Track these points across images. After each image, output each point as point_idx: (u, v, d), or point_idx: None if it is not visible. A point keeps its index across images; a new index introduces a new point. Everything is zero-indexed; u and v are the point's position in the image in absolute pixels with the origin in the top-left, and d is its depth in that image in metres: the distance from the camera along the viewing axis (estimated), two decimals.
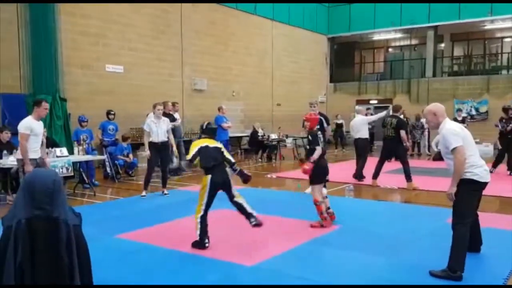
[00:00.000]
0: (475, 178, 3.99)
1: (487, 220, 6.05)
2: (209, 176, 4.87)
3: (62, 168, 7.85)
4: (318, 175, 5.88)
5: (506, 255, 4.65)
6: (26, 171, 6.01)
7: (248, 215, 5.03)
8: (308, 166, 5.74)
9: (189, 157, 5.00)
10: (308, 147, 6.03)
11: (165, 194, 8.22)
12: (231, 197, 5.06)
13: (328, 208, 5.95)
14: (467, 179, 3.96)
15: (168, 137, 8.26)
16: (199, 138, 5.44)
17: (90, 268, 2.07)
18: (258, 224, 5.00)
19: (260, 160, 14.45)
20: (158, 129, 8.08)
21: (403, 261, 4.52)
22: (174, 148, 8.51)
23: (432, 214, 6.58)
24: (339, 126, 18.16)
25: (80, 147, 9.20)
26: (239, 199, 5.07)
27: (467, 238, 4.01)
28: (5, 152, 7.87)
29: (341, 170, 11.54)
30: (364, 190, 8.95)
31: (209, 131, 5.37)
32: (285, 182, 10.17)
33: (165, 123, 8.25)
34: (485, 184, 4.08)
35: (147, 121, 8.24)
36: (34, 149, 6.25)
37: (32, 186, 1.96)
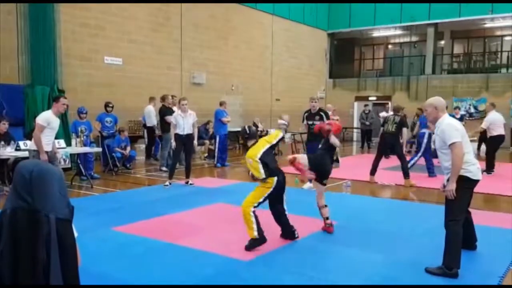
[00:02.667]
0: (468, 175, 3.97)
1: (484, 218, 6.07)
2: (275, 178, 4.69)
3: (59, 160, 7.83)
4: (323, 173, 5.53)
5: (503, 253, 4.66)
6: (42, 160, 6.20)
7: (289, 226, 4.97)
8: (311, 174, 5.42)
9: (261, 176, 4.66)
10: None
11: (190, 184, 8.60)
12: (281, 200, 4.92)
13: (327, 218, 5.49)
14: (460, 176, 3.93)
15: (193, 131, 8.67)
16: (246, 145, 5.07)
17: (77, 268, 2.01)
18: (297, 236, 5.01)
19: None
20: (184, 123, 8.49)
21: (400, 258, 4.52)
22: (195, 142, 8.88)
23: (430, 211, 6.58)
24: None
25: (78, 139, 9.18)
26: (286, 208, 4.97)
27: (461, 235, 3.99)
28: (2, 143, 7.85)
29: (341, 166, 11.54)
30: (361, 187, 8.96)
31: (254, 135, 5.06)
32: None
33: (192, 117, 8.65)
34: (477, 182, 4.07)
35: (174, 114, 8.77)
36: (47, 142, 6.48)
37: (14, 176, 1.96)
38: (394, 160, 10.02)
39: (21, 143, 7.98)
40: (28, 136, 8.32)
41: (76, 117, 9.81)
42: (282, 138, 5.04)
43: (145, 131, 12.50)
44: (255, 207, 4.64)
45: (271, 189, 4.67)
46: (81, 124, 9.55)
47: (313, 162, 5.34)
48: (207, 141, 13.31)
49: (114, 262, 4.36)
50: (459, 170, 3.89)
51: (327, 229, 5.43)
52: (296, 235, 4.98)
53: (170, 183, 8.48)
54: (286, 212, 4.98)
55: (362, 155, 14.74)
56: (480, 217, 6.06)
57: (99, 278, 3.87)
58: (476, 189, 4.15)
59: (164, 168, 10.43)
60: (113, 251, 4.71)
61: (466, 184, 3.97)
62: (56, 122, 6.58)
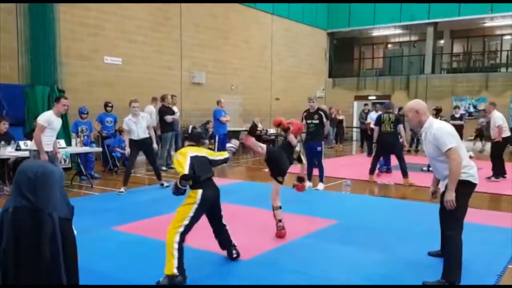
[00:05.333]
0: (470, 179, 3.71)
1: (483, 217, 6.10)
2: (200, 191, 3.87)
3: (60, 160, 7.85)
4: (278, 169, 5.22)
5: (501, 251, 4.69)
6: (43, 160, 6.23)
7: (230, 243, 4.34)
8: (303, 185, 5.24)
9: (184, 171, 3.82)
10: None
11: (166, 186, 8.04)
12: (218, 218, 4.24)
13: (280, 220, 5.24)
14: (462, 181, 3.63)
15: (149, 133, 8.08)
16: (182, 145, 4.44)
17: (77, 265, 2.06)
18: (238, 256, 4.34)
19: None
20: (138, 127, 7.90)
21: (399, 257, 4.55)
22: (155, 145, 8.30)
23: (429, 211, 6.59)
24: (339, 122, 18.16)
25: (78, 139, 9.20)
26: (226, 224, 4.31)
27: (461, 246, 3.70)
28: (2, 143, 7.87)
29: (341, 165, 11.58)
30: (361, 186, 8.98)
31: (196, 137, 4.34)
32: None
33: (145, 120, 8.01)
34: (476, 186, 3.82)
35: (125, 119, 8.04)
36: (47, 142, 6.47)
37: (17, 176, 2.01)
38: (393, 160, 10.02)
39: (21, 143, 8.00)
40: (28, 136, 8.34)
41: (76, 117, 9.83)
42: (225, 161, 4.42)
43: None
44: (182, 233, 3.81)
45: (196, 205, 3.84)
46: (82, 124, 9.58)
47: (270, 156, 5.10)
48: (206, 141, 13.34)
49: (114, 261, 4.39)
50: (458, 177, 3.60)
51: (279, 233, 5.14)
52: (234, 255, 4.33)
53: (124, 190, 7.81)
54: (227, 228, 4.32)
55: (361, 155, 14.75)
56: (478, 216, 6.09)
57: (99, 278, 3.89)
58: (475, 188, 4.03)
59: (164, 168, 10.44)
60: (113, 250, 4.73)
61: (467, 189, 3.70)
62: (57, 123, 6.58)
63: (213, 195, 4.01)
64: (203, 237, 4.95)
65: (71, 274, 1.99)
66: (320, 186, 8.29)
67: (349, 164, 12.02)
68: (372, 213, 6.54)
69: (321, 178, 8.32)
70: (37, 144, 6.38)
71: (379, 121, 9.32)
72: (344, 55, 23.24)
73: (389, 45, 24.26)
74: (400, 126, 9.11)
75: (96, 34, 12.22)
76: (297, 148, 5.31)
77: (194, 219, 3.86)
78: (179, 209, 3.91)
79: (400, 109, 11.00)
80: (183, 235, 3.80)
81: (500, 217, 6.31)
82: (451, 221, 3.74)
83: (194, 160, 3.94)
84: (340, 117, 18.12)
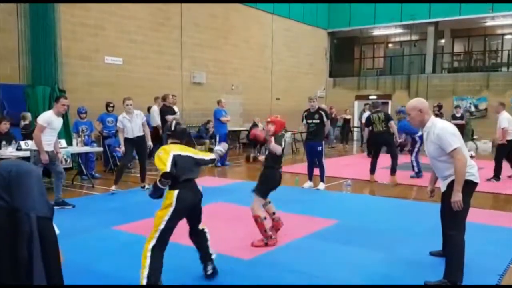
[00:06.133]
0: (472, 178, 3.72)
1: (484, 216, 6.09)
2: (176, 192, 3.52)
3: (61, 160, 7.85)
4: (266, 186, 5.04)
5: (503, 251, 4.69)
6: (44, 160, 6.24)
7: (207, 257, 3.93)
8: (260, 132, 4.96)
9: (166, 168, 3.47)
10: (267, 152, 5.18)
11: (147, 188, 7.88)
12: (195, 222, 3.85)
13: (274, 213, 5.13)
14: (464, 181, 3.63)
15: (144, 131, 8.00)
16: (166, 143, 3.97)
17: (59, 265, 2.03)
18: (213, 273, 3.92)
19: (258, 154, 14.45)
20: (132, 124, 7.82)
21: (400, 257, 4.54)
22: (149, 143, 8.18)
23: (429, 211, 6.58)
24: (346, 122, 18.17)
25: (79, 139, 9.20)
26: (205, 228, 3.93)
27: (464, 246, 3.69)
28: (4, 143, 7.87)
29: (342, 165, 11.57)
30: (362, 186, 8.97)
31: (180, 134, 3.91)
32: (283, 176, 10.16)
33: (139, 117, 7.93)
34: (477, 185, 3.83)
35: (119, 117, 7.98)
36: (48, 142, 6.48)
37: None
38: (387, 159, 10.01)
39: (22, 143, 8.00)
40: (29, 136, 8.34)
41: (77, 117, 9.84)
42: (211, 162, 4.01)
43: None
44: (158, 240, 3.51)
45: (172, 208, 3.49)
46: (82, 124, 9.58)
47: (266, 176, 5.03)
48: (207, 141, 13.35)
49: (114, 261, 4.38)
50: (464, 177, 3.61)
51: (271, 241, 4.88)
52: (209, 271, 3.92)
53: (115, 189, 7.77)
54: (206, 232, 3.96)
55: (362, 154, 14.74)
56: (480, 216, 6.08)
57: (100, 277, 3.89)
58: (476, 188, 4.03)
59: None
60: (114, 250, 4.73)
61: (469, 189, 3.70)
62: (57, 123, 6.58)
63: (192, 199, 3.62)
64: None
65: (52, 274, 1.96)
66: (321, 186, 8.30)
67: (349, 164, 12.01)
68: (372, 213, 6.54)
69: (321, 178, 8.32)
70: (37, 144, 6.38)
71: (369, 122, 9.33)
72: (344, 55, 23.22)
73: (390, 45, 24.23)
74: (392, 123, 9.10)
75: (97, 34, 12.22)
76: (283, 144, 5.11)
77: (170, 223, 3.50)
78: (157, 213, 3.56)
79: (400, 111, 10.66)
80: (158, 242, 3.50)
81: (502, 216, 6.30)
82: (453, 220, 3.74)
83: (177, 158, 3.59)
84: (348, 117, 18.14)
